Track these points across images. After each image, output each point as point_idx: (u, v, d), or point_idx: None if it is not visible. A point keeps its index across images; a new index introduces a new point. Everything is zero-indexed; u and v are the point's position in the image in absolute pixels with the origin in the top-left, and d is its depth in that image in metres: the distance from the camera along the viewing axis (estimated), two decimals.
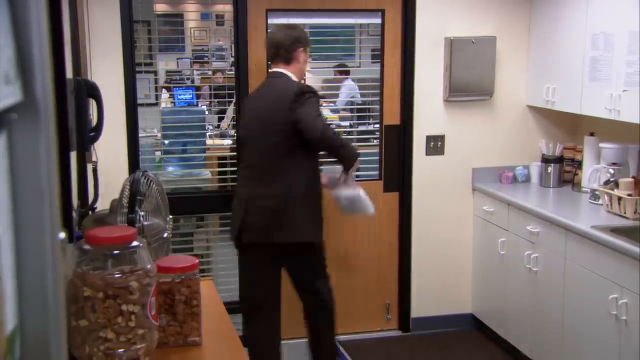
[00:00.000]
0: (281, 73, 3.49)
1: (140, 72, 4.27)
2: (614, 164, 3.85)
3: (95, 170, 2.72)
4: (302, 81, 3.66)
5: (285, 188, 3.37)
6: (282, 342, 3.81)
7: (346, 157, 3.46)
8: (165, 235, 1.94)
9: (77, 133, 2.05)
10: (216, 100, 5.17)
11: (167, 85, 6.23)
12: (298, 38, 3.51)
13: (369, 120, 4.78)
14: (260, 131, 3.43)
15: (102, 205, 2.16)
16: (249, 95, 3.77)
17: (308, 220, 3.43)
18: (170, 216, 2.01)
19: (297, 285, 3.65)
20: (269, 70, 3.63)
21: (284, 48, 3.48)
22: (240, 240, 3.49)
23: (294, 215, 3.38)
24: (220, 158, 4.83)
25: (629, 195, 3.56)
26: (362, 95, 5.22)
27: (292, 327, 4.11)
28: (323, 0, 4.35)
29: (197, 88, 6.61)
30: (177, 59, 8.72)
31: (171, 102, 5.77)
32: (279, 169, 3.39)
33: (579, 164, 4.29)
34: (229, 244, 3.97)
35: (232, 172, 4.38)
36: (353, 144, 3.98)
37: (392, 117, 4.54)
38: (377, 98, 4.59)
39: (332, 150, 3.44)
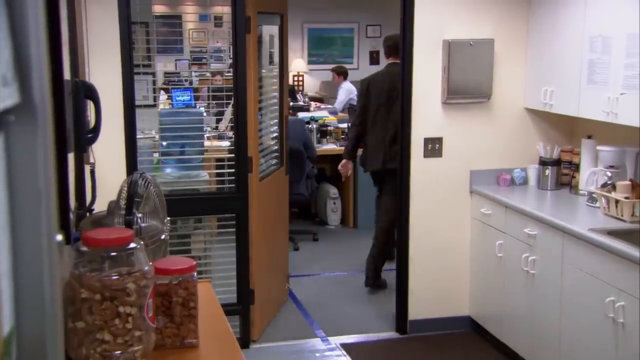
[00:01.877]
0: (397, 63, 4.74)
1: (139, 73, 4.27)
2: (612, 166, 3.85)
3: (92, 172, 2.71)
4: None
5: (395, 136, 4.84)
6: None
7: None
8: (163, 237, 1.94)
9: (74, 135, 2.05)
10: (214, 102, 5.16)
11: (165, 86, 6.22)
12: None
13: None
14: (386, 100, 5.05)
15: (100, 206, 2.16)
16: (373, 77, 5.32)
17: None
18: (168, 218, 2.01)
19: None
20: (389, 61, 5.28)
21: (398, 48, 4.71)
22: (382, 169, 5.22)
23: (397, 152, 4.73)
24: (218, 160, 4.82)
25: (626, 198, 3.57)
26: None
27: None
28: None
29: (196, 89, 6.61)
30: (176, 60, 8.72)
31: (169, 104, 5.76)
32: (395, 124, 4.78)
33: (576, 167, 4.29)
34: (227, 245, 3.95)
35: (230, 174, 4.37)
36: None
37: None
38: None
39: None
